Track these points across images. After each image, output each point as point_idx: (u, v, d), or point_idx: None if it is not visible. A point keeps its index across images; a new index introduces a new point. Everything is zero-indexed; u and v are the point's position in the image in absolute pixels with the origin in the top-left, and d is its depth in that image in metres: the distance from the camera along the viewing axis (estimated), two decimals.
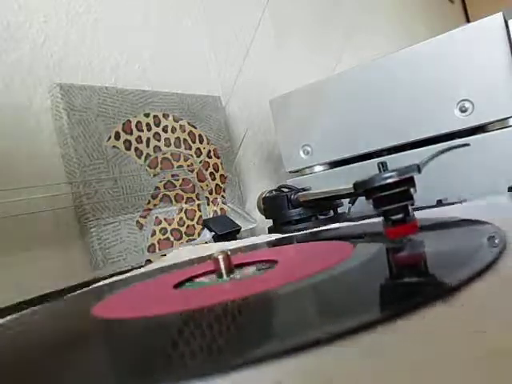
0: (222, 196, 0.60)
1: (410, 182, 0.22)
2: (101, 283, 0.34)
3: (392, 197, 0.22)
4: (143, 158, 0.51)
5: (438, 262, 0.19)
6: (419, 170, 0.22)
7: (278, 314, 0.17)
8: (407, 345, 0.11)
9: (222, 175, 0.61)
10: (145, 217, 0.49)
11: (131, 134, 0.50)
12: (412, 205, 0.23)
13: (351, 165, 0.52)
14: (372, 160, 0.50)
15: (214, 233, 0.52)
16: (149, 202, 0.50)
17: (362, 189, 0.23)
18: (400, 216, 0.22)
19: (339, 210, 0.47)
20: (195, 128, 0.58)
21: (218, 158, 0.61)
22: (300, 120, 0.55)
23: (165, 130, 0.54)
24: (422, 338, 0.11)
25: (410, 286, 0.17)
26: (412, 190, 0.22)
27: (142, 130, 0.51)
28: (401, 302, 0.14)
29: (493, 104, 0.42)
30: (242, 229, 0.55)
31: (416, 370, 0.10)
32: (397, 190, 0.22)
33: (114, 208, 0.46)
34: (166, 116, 0.54)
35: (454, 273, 0.16)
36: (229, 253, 0.23)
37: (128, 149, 0.49)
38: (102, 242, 0.44)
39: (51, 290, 0.34)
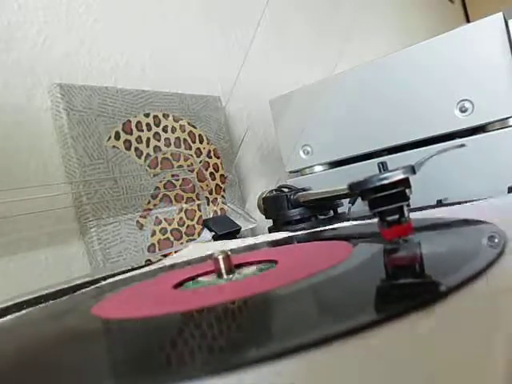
0: (222, 196, 0.60)
1: (406, 183, 0.22)
2: (101, 283, 0.34)
3: (388, 198, 0.22)
4: (143, 157, 0.51)
5: (437, 262, 0.19)
6: (414, 171, 0.22)
7: (277, 314, 0.17)
8: (402, 347, 0.11)
9: (222, 175, 0.61)
10: (145, 217, 0.49)
11: (131, 134, 0.50)
12: (408, 206, 0.23)
13: (351, 165, 0.52)
14: (372, 160, 0.50)
15: (214, 233, 0.52)
16: (149, 202, 0.50)
17: (357, 190, 0.23)
18: (395, 217, 0.22)
19: (339, 210, 0.47)
20: (195, 128, 0.58)
21: (218, 158, 0.61)
22: (300, 120, 0.55)
23: (165, 130, 0.54)
24: (415, 341, 0.11)
25: (406, 287, 0.17)
26: (407, 190, 0.22)
27: (142, 130, 0.51)
28: (395, 305, 0.14)
29: (493, 104, 0.42)
30: (242, 229, 0.55)
31: (407, 371, 0.10)
32: (392, 191, 0.22)
33: (114, 208, 0.46)
34: (165, 116, 0.54)
35: (452, 273, 0.16)
36: (229, 253, 0.23)
37: (128, 149, 0.49)
38: (102, 241, 0.44)
39: (51, 290, 0.34)
